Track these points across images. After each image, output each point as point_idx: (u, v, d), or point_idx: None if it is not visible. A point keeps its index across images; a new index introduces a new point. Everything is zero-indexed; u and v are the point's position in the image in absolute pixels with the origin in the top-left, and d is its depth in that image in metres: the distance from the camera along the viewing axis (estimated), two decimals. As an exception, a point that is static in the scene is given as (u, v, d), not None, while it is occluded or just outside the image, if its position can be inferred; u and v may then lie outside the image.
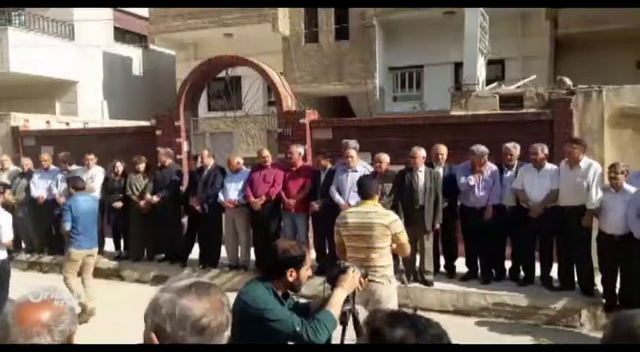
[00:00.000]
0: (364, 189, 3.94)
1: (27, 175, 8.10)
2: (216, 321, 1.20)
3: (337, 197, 6.28)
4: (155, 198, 7.26)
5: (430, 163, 6.20)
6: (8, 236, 5.14)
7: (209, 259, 7.20)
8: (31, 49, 13.05)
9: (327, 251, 6.55)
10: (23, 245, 8.38)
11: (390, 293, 3.79)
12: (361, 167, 6.41)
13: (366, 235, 3.74)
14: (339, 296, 2.37)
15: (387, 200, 6.06)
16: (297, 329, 2.20)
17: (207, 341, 1.20)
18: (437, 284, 5.96)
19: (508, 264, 6.20)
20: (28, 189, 7.95)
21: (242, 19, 12.83)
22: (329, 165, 6.70)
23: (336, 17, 12.78)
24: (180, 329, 1.18)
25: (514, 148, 6.02)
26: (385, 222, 3.75)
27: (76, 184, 5.95)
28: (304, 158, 7.30)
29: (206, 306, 1.20)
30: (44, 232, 8.16)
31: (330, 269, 2.58)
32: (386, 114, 12.00)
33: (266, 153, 6.93)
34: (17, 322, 1.26)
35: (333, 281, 2.61)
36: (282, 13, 12.84)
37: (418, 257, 6.07)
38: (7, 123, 10.25)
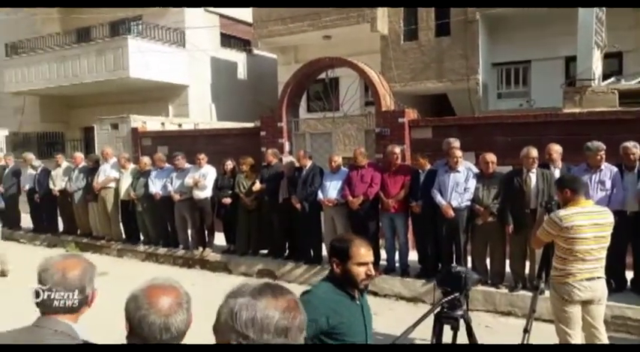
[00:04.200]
0: (584, 188, 3.82)
1: (145, 173, 8.79)
2: (296, 320, 1.15)
3: (439, 198, 6.14)
4: (259, 185, 7.57)
5: (545, 164, 5.86)
6: None
7: (311, 256, 7.37)
8: (147, 56, 14.15)
9: (429, 252, 6.45)
10: (141, 237, 9.13)
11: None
12: (464, 167, 6.22)
13: (601, 236, 3.67)
14: None
15: (493, 203, 5.84)
16: None
17: (292, 342, 1.14)
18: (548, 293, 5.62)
19: (629, 275, 5.70)
20: (146, 185, 8.62)
21: (341, 21, 12.96)
22: (428, 165, 6.58)
23: (437, 13, 12.50)
24: (265, 333, 1.12)
25: (635, 147, 5.51)
26: (612, 220, 3.72)
27: None
28: (402, 158, 7.24)
29: (284, 305, 1.15)
30: (160, 226, 8.80)
31: (442, 272, 2.54)
32: (490, 112, 11.52)
33: (356, 153, 6.94)
34: (147, 297, 1.47)
35: (444, 284, 2.56)
36: (381, 12, 12.80)
37: (528, 263, 5.77)
38: (127, 125, 11.23)
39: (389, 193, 6.63)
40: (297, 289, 5.56)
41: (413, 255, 6.76)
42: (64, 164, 9.94)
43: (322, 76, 9.75)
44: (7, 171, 10.74)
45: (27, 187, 10.30)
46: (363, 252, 2.18)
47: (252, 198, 7.70)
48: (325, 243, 7.31)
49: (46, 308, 1.68)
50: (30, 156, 10.67)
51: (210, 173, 8.19)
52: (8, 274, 7.78)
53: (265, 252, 8.00)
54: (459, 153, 6.15)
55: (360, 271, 2.16)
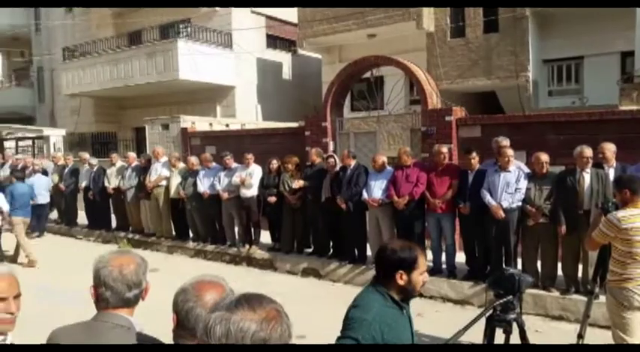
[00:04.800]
0: None
1: (194, 172, 9.01)
2: (276, 331, 1.07)
3: (488, 198, 6.01)
4: (301, 182, 7.66)
5: (599, 163, 5.64)
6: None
7: (355, 256, 7.37)
8: (195, 58, 14.50)
9: (478, 254, 6.33)
10: (191, 234, 9.37)
11: None
12: (515, 167, 6.06)
13: None
14: None
15: (545, 204, 5.67)
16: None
17: None
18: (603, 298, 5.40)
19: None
20: (195, 184, 8.83)
21: (386, 19, 12.88)
22: (477, 165, 6.45)
23: (484, 9, 12.23)
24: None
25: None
26: None
27: (16, 175, 9.31)
28: (450, 157, 7.12)
29: (262, 316, 1.07)
30: (209, 223, 9.00)
31: (494, 274, 2.49)
32: (541, 110, 11.18)
33: (400, 151, 6.91)
34: (195, 290, 1.54)
35: (497, 287, 2.51)
36: (427, 10, 12.63)
37: (581, 266, 5.57)
38: (177, 125, 11.55)
39: (435, 193, 6.54)
40: (341, 288, 5.61)
41: (460, 257, 6.64)
42: (119, 163, 10.33)
43: (367, 74, 9.73)
44: (67, 170, 11.30)
45: (83, 185, 10.78)
46: (425, 259, 2.13)
47: (296, 197, 7.77)
48: (370, 243, 7.29)
49: (104, 303, 1.76)
50: (85, 155, 11.20)
51: (256, 172, 8.32)
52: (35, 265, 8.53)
53: (310, 250, 8.06)
54: (510, 152, 5.99)
55: (421, 279, 2.11)
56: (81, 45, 17.49)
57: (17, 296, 1.85)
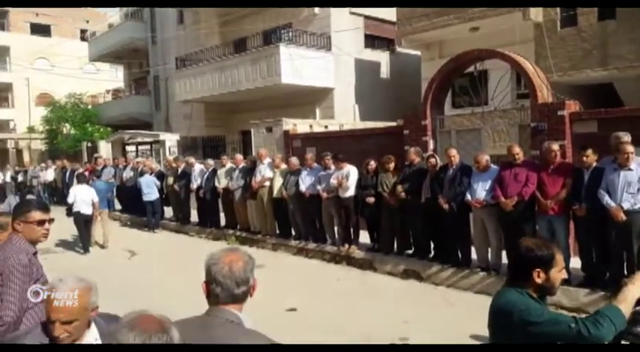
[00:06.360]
0: None
1: (295, 172, 9.28)
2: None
3: (607, 199, 5.54)
4: (401, 189, 7.57)
5: None
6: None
7: (459, 259, 7.15)
8: (297, 62, 14.90)
9: (595, 259, 5.86)
10: (293, 232, 9.66)
11: None
12: (636, 165, 5.52)
13: None
14: (631, 293, 2.01)
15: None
16: (572, 325, 1.93)
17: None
18: None
19: None
20: (297, 184, 9.09)
21: (489, 11, 12.32)
22: (594, 163, 5.97)
23: (601, -6, 11.25)
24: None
25: None
26: None
27: (95, 174, 12.97)
28: (563, 155, 6.65)
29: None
30: (310, 222, 9.22)
31: (620, 281, 2.28)
32: (668, 101, 10.07)
33: (517, 149, 6.55)
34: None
35: None
36: (534, -1, 11.90)
37: None
38: (280, 128, 11.97)
39: (547, 194, 6.15)
40: (444, 292, 5.46)
41: (575, 262, 6.19)
42: (228, 164, 10.94)
43: (470, 69, 9.39)
44: (179, 171, 12.19)
45: (195, 185, 11.54)
46: (562, 256, 2.14)
47: (395, 198, 7.70)
48: (475, 247, 7.03)
49: (215, 298, 1.85)
50: (191, 159, 12.14)
51: (352, 173, 8.39)
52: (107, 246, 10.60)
53: (410, 251, 7.95)
54: (630, 148, 5.48)
55: (559, 277, 2.10)
56: (191, 54, 18.71)
57: (69, 322, 1.94)
